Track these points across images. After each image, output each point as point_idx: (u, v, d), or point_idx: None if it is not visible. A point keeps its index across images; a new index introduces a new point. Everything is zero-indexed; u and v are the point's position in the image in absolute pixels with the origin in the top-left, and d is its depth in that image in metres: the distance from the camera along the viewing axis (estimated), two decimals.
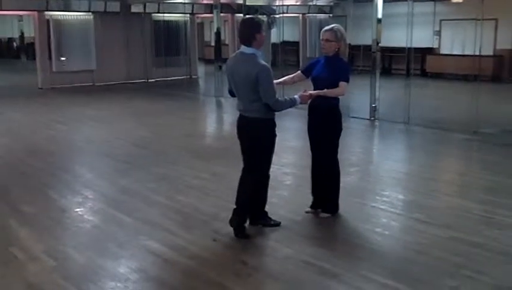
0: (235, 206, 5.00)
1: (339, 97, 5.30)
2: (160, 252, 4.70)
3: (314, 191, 5.55)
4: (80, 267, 4.48)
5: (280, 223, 5.24)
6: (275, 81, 4.99)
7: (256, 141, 4.91)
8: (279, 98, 4.82)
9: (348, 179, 6.43)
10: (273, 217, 5.29)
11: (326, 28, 5.34)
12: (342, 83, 5.16)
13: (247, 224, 5.08)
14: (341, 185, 5.52)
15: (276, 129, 4.96)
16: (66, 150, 8.97)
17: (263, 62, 4.78)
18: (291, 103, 4.91)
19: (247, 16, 5.18)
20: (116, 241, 4.96)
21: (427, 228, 5.20)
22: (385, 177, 7.24)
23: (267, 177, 5.11)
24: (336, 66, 5.24)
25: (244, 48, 4.86)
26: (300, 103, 5.00)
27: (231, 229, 4.97)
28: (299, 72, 5.63)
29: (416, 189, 6.57)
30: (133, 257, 4.66)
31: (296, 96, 4.95)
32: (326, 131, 5.31)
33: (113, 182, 6.89)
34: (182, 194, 6.31)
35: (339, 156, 5.49)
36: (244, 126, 4.97)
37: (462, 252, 4.61)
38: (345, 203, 5.62)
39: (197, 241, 4.93)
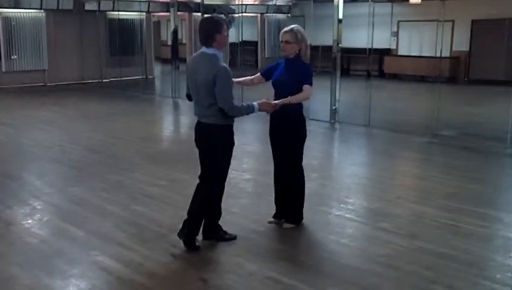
0: (186, 217, 4.71)
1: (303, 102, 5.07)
2: (114, 269, 4.37)
3: (277, 201, 5.31)
4: (25, 288, 4.11)
5: (236, 236, 4.95)
6: (234, 79, 4.74)
7: (211, 149, 4.62)
8: (236, 104, 4.53)
9: (310, 185, 6.19)
10: (235, 228, 5.03)
11: (286, 29, 5.09)
12: (306, 86, 4.91)
13: (200, 238, 4.79)
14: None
15: (235, 135, 4.69)
16: (13, 156, 8.43)
17: (223, 64, 4.49)
18: (249, 110, 4.58)
19: (207, 15, 4.86)
20: (66, 258, 4.61)
21: (394, 238, 5.02)
22: (348, 183, 7.07)
23: (222, 188, 4.81)
24: (298, 69, 4.99)
25: (205, 49, 4.57)
26: (260, 111, 4.68)
27: None
28: (258, 74, 5.37)
29: (380, 195, 6.41)
30: (84, 275, 4.32)
31: (254, 103, 4.63)
32: (290, 138, 5.06)
33: (64, 191, 6.50)
34: (138, 203, 5.97)
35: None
36: (200, 133, 4.68)
37: (431, 265, 4.44)
38: (309, 212, 5.41)
39: (153, 256, 4.61)
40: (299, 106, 5.04)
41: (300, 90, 4.91)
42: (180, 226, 4.72)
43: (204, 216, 4.78)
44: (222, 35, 4.54)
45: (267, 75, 5.25)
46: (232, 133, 4.67)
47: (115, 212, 5.71)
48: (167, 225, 5.25)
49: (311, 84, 4.97)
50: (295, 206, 5.23)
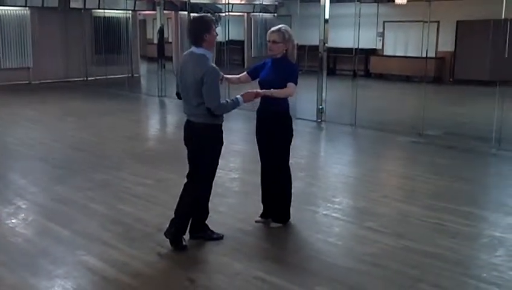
0: (173, 216, 4.69)
1: (288, 100, 5.07)
2: (99, 269, 4.34)
3: (264, 200, 5.30)
4: (10, 288, 4.06)
5: (223, 236, 4.93)
6: (225, 76, 4.81)
7: (200, 148, 4.61)
8: (222, 102, 4.53)
9: (297, 184, 6.19)
10: (222, 227, 5.02)
11: (273, 28, 5.08)
12: (290, 84, 4.91)
13: (187, 237, 4.77)
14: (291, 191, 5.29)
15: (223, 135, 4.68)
16: None
17: (212, 64, 4.50)
18: (234, 105, 4.61)
19: (196, 15, 4.88)
20: (51, 258, 4.56)
21: (380, 237, 5.04)
22: (335, 182, 7.09)
23: (209, 187, 4.81)
24: (284, 69, 4.99)
25: (194, 48, 4.58)
26: (244, 102, 4.69)
27: None
28: (245, 73, 5.36)
29: (366, 195, 6.43)
30: (69, 275, 4.28)
31: (238, 96, 4.66)
32: (276, 137, 5.05)
33: (49, 190, 6.43)
34: (124, 202, 5.93)
35: None
36: (189, 131, 4.67)
37: (417, 264, 4.46)
38: (296, 211, 5.41)
39: (139, 255, 4.58)
40: (285, 105, 5.06)
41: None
42: (167, 225, 4.69)
43: (191, 215, 4.76)
44: (211, 35, 4.55)
45: (253, 74, 5.24)
46: (221, 132, 4.67)
47: (101, 212, 5.67)
48: (154, 224, 5.22)
49: (296, 83, 4.98)
50: (282, 206, 5.23)
